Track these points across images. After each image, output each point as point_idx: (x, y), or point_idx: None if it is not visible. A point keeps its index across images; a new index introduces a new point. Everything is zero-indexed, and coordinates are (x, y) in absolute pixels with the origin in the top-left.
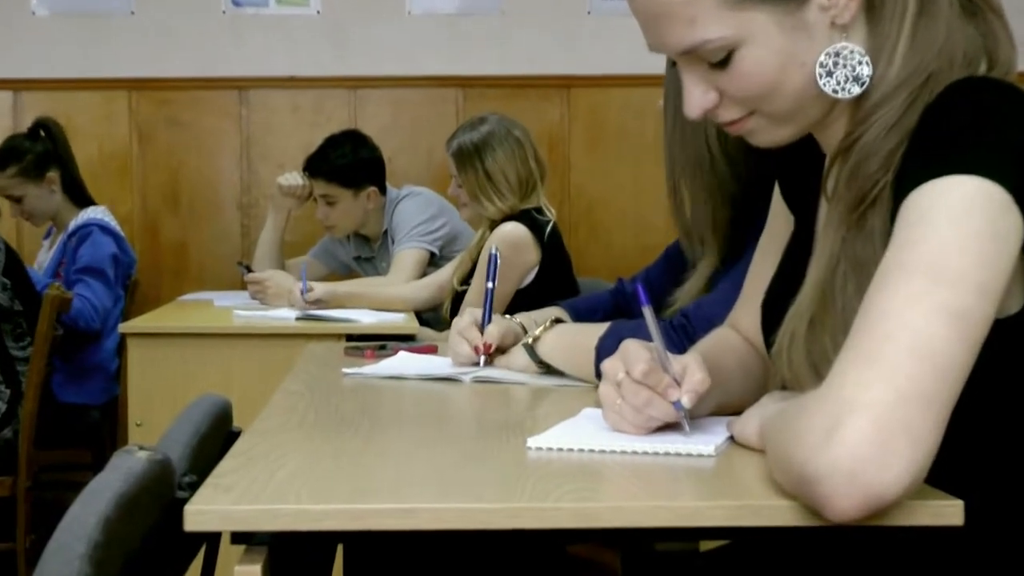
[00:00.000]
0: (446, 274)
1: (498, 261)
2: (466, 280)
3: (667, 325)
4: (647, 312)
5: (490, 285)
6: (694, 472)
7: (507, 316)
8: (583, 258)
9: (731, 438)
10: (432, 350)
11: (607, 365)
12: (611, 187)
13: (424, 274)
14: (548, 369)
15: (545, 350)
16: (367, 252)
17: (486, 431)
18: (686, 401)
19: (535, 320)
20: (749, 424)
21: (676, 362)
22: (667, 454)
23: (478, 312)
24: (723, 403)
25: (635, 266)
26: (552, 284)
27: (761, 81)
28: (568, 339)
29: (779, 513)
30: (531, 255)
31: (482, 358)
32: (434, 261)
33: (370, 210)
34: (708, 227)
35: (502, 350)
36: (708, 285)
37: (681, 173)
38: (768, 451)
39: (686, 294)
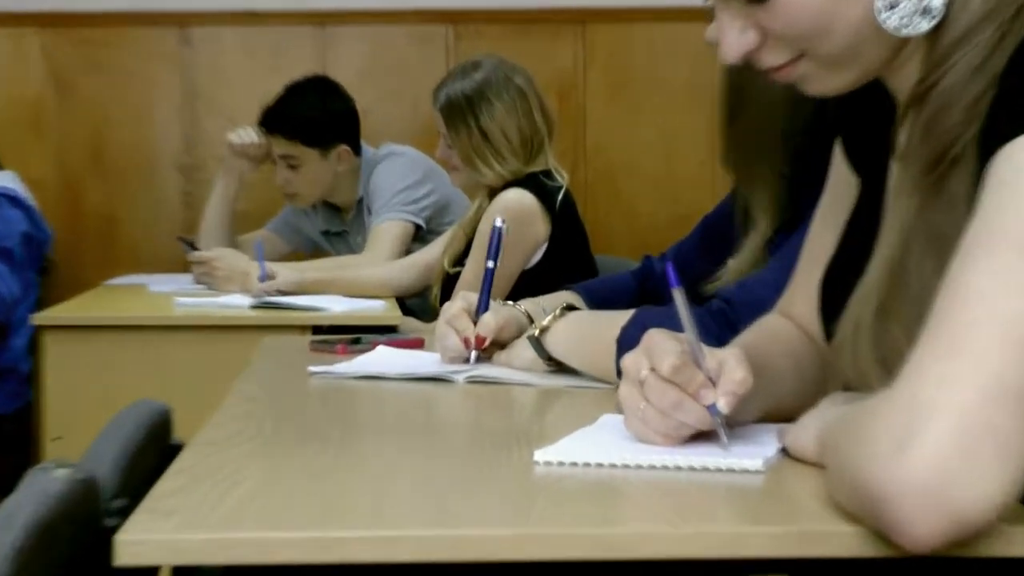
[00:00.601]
0: (435, 252)
1: (502, 235)
2: (459, 260)
3: (703, 311)
4: (678, 295)
5: (491, 264)
6: (737, 492)
7: (508, 303)
8: (602, 232)
9: (783, 450)
10: (418, 344)
11: (628, 361)
12: (636, 145)
13: (408, 252)
14: (559, 367)
15: (555, 343)
16: (337, 225)
17: (484, 443)
18: (723, 405)
19: (543, 307)
20: (805, 432)
21: (712, 357)
22: (704, 469)
23: (472, 296)
24: (772, 407)
25: (666, 241)
26: (564, 264)
27: (808, 16)
28: (583, 330)
29: (842, 541)
30: (538, 228)
31: (473, 353)
32: (420, 236)
33: (341, 174)
34: (761, 186)
35: (502, 344)
36: (758, 260)
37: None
38: (828, 465)
39: (731, 272)
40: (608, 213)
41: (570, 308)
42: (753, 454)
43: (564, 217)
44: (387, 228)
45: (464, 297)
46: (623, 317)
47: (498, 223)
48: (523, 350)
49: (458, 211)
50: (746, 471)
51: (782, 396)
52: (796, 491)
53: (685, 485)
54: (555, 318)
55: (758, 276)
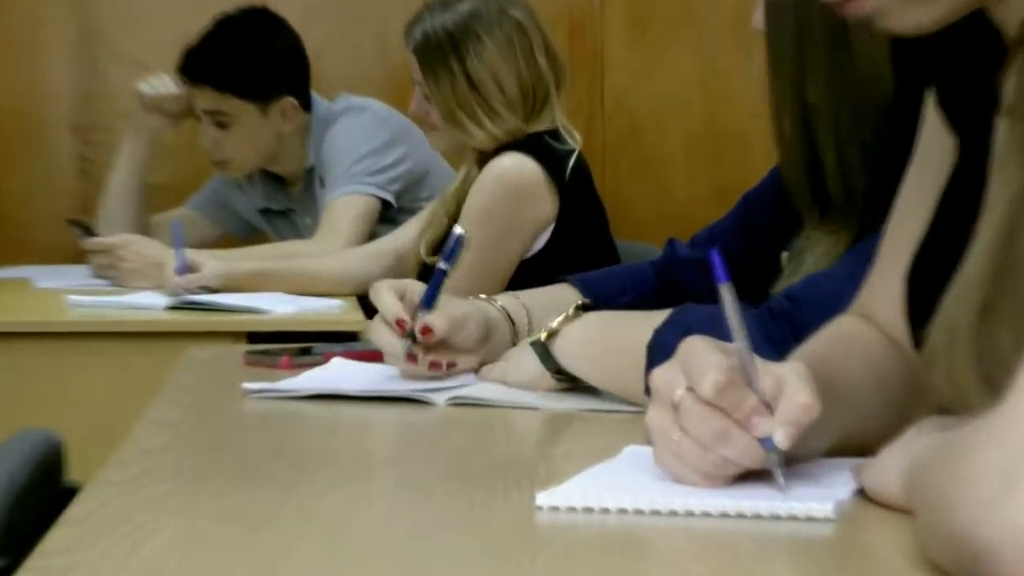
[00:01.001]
0: (408, 237)
1: (462, 244)
2: (441, 246)
3: (761, 314)
4: (725, 292)
5: (443, 266)
6: (801, 546)
7: (481, 297)
8: (625, 209)
9: (860, 492)
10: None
11: (659, 377)
12: (668, 96)
13: (373, 236)
14: (571, 382)
15: (567, 352)
16: (281, 201)
17: (470, 483)
18: (782, 438)
19: (524, 303)
20: (889, 469)
21: (768, 374)
22: (758, 517)
23: (410, 283)
24: (846, 436)
25: (706, 219)
26: (576, 251)
27: None
28: (605, 335)
29: None
30: (543, 205)
31: (405, 345)
32: (389, 216)
33: (285, 135)
34: (844, 172)
35: (460, 348)
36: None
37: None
38: (918, 511)
39: (797, 263)
40: (632, 185)
41: (586, 307)
42: (822, 497)
43: (576, 190)
44: (345, 205)
45: (388, 284)
46: (657, 319)
47: (457, 231)
48: (523, 360)
49: (438, 183)
50: (812, 519)
51: (859, 422)
52: (877, 544)
53: (733, 538)
54: (568, 319)
55: (834, 269)
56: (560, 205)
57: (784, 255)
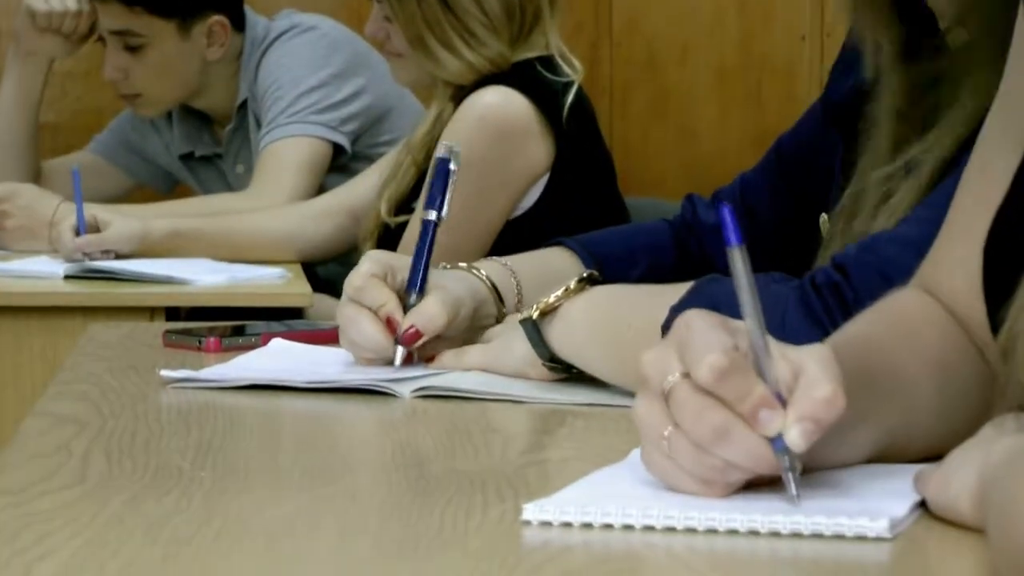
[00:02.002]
0: (364, 190)
1: (452, 172)
2: (407, 204)
3: (803, 285)
4: (735, 257)
5: (431, 215)
6: (847, 573)
7: (462, 265)
8: (638, 158)
9: (921, 505)
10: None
11: (649, 360)
12: (694, 16)
13: (322, 189)
14: (567, 372)
15: (565, 335)
16: (206, 145)
17: (443, 492)
18: (795, 438)
19: (513, 271)
20: (957, 478)
21: (784, 359)
22: (797, 536)
23: (392, 258)
24: (896, 439)
25: (738, 171)
26: (576, 208)
27: None
28: (613, 315)
29: None
30: (535, 151)
31: (400, 352)
32: (342, 164)
33: (211, 62)
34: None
35: (452, 338)
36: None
37: None
38: (992, 531)
39: (848, 219)
40: (648, 129)
41: (592, 280)
42: (874, 512)
43: (576, 133)
44: (287, 150)
45: (375, 259)
46: (676, 293)
47: (442, 151)
48: (511, 343)
49: (403, 124)
50: (863, 538)
51: (915, 421)
52: (942, 571)
53: (765, 562)
54: (568, 293)
55: (895, 231)
56: (556, 151)
57: (823, 218)
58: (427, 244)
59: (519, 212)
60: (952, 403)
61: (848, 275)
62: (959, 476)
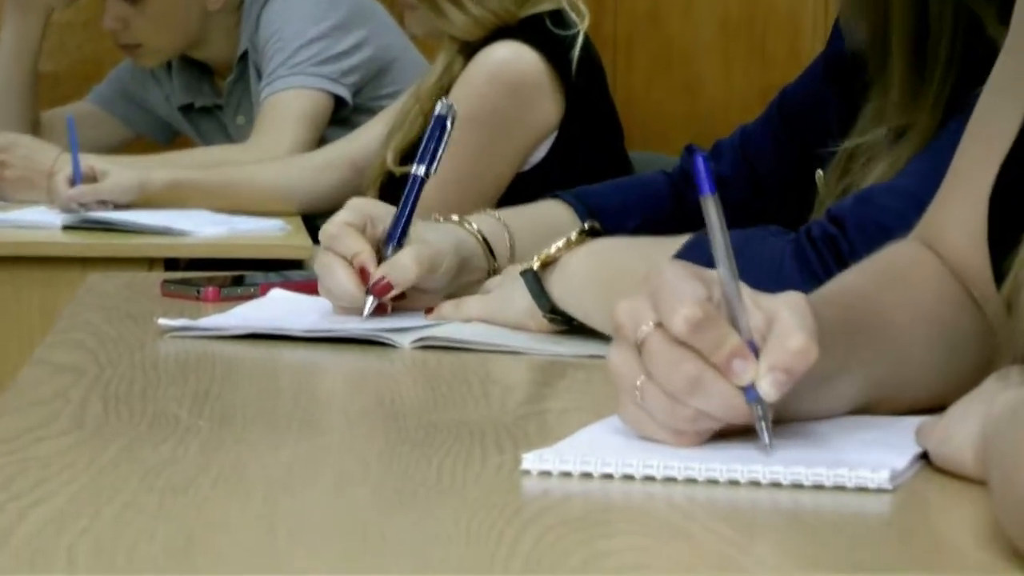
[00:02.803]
0: (367, 141)
1: (447, 129)
2: (413, 153)
3: (798, 239)
4: (709, 206)
5: (420, 171)
6: (849, 524)
7: (453, 218)
8: (642, 113)
9: (923, 457)
10: None
11: (623, 310)
12: None
13: (323, 141)
14: (567, 324)
15: (565, 287)
16: (206, 96)
17: (442, 442)
18: (767, 388)
19: (505, 223)
20: (959, 430)
21: (757, 309)
22: (798, 487)
23: (372, 206)
24: (887, 391)
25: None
26: (583, 163)
27: None
28: (612, 266)
29: None
30: (546, 107)
31: (369, 301)
32: (343, 116)
33: (212, 12)
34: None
35: (429, 290)
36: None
37: None
38: (995, 483)
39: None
40: (652, 83)
41: (592, 233)
42: (875, 464)
43: (585, 86)
44: (288, 102)
45: (353, 207)
46: (676, 245)
47: (440, 108)
48: (511, 294)
49: (405, 76)
50: (864, 490)
51: (905, 372)
52: (942, 522)
53: (765, 513)
54: (569, 245)
55: (892, 183)
56: (565, 106)
57: (819, 174)
58: (412, 198)
59: (528, 166)
60: (946, 356)
61: (844, 227)
62: (961, 428)
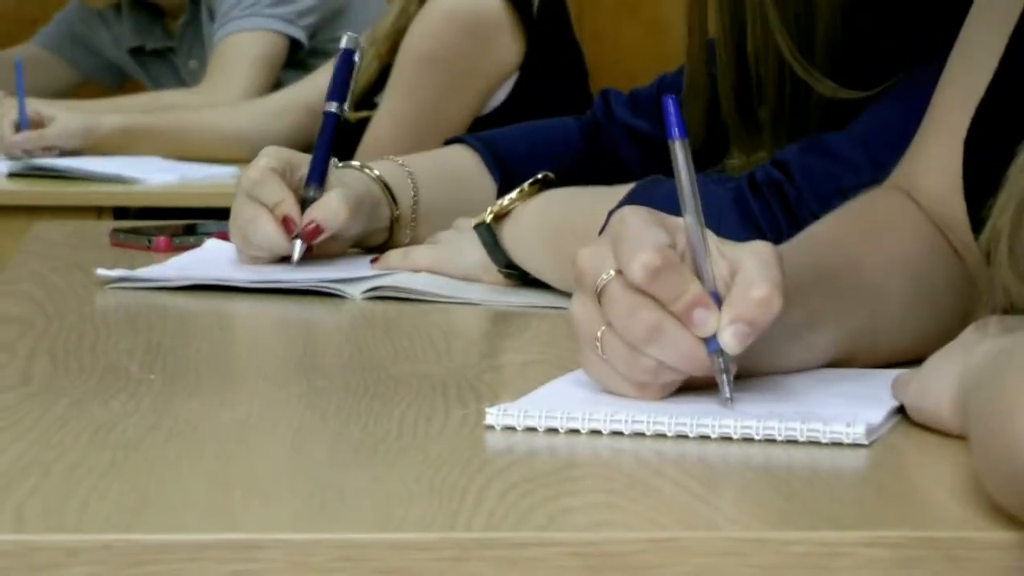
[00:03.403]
0: (323, 86)
1: (355, 64)
2: (367, 98)
3: (739, 185)
4: (677, 150)
5: (333, 108)
6: (825, 480)
7: (355, 164)
8: (610, 56)
9: (900, 410)
10: None
11: (583, 258)
12: None
13: (278, 84)
14: (522, 279)
15: (519, 240)
16: (157, 38)
17: (400, 396)
18: (728, 339)
19: (410, 172)
20: (937, 382)
21: (722, 257)
22: (768, 441)
23: (290, 154)
24: (862, 344)
25: None
26: (546, 107)
27: None
28: (560, 216)
29: (995, 557)
30: (506, 47)
31: (298, 247)
32: (298, 59)
33: None
34: None
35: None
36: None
37: None
38: (974, 437)
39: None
40: (620, 25)
41: (548, 182)
42: (851, 417)
43: (548, 26)
44: (241, 45)
45: (273, 154)
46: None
47: (348, 42)
48: (461, 246)
49: (362, 17)
50: (839, 444)
51: (882, 323)
52: (919, 477)
53: (737, 468)
54: (522, 196)
55: (847, 130)
56: (526, 47)
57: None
58: (328, 137)
59: (488, 110)
60: (924, 306)
61: (790, 173)
62: (939, 380)
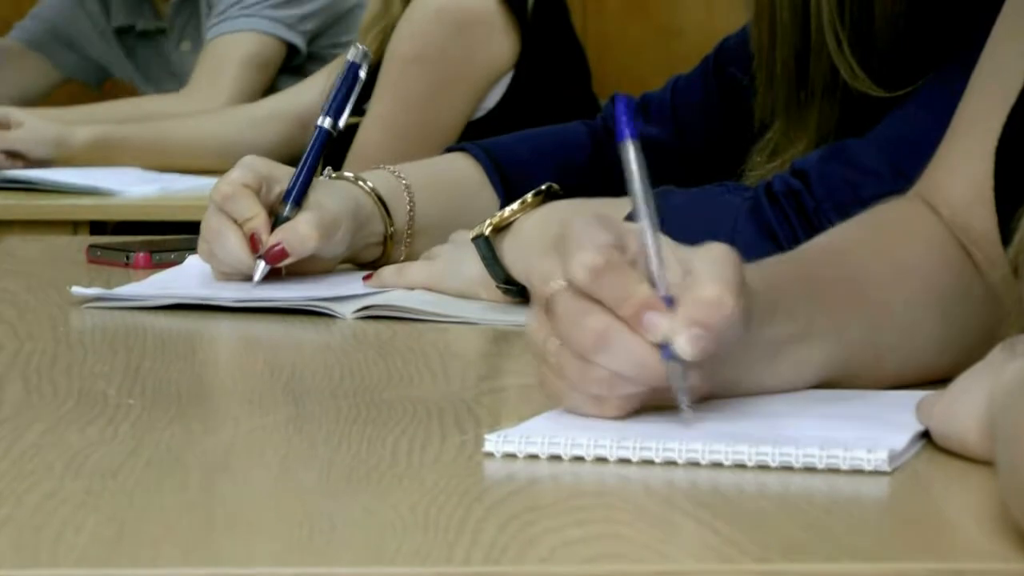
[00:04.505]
0: (315, 95)
1: (360, 79)
2: (356, 103)
3: (756, 194)
4: (628, 151)
5: (326, 124)
6: (843, 509)
7: (347, 175)
8: (615, 57)
9: (924, 435)
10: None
11: (535, 269)
12: None
13: (272, 89)
14: (522, 296)
15: (520, 254)
16: (148, 19)
17: (394, 421)
18: (684, 344)
19: (405, 182)
20: (963, 405)
21: (677, 262)
22: (785, 468)
23: (268, 166)
24: (864, 359)
25: None
26: (544, 109)
27: None
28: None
29: None
30: (499, 45)
31: (260, 267)
32: (295, 65)
33: None
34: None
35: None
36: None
37: None
38: (1002, 464)
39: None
40: (626, 26)
41: (552, 193)
42: (872, 443)
43: (544, 25)
44: (233, 47)
45: (249, 166)
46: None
47: (353, 55)
48: (460, 261)
49: (358, 19)
50: (860, 472)
51: (886, 339)
52: (945, 506)
53: (752, 498)
54: (524, 207)
55: (869, 137)
56: (520, 46)
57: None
58: (315, 153)
59: (480, 113)
60: (936, 321)
61: (809, 181)
62: (965, 403)
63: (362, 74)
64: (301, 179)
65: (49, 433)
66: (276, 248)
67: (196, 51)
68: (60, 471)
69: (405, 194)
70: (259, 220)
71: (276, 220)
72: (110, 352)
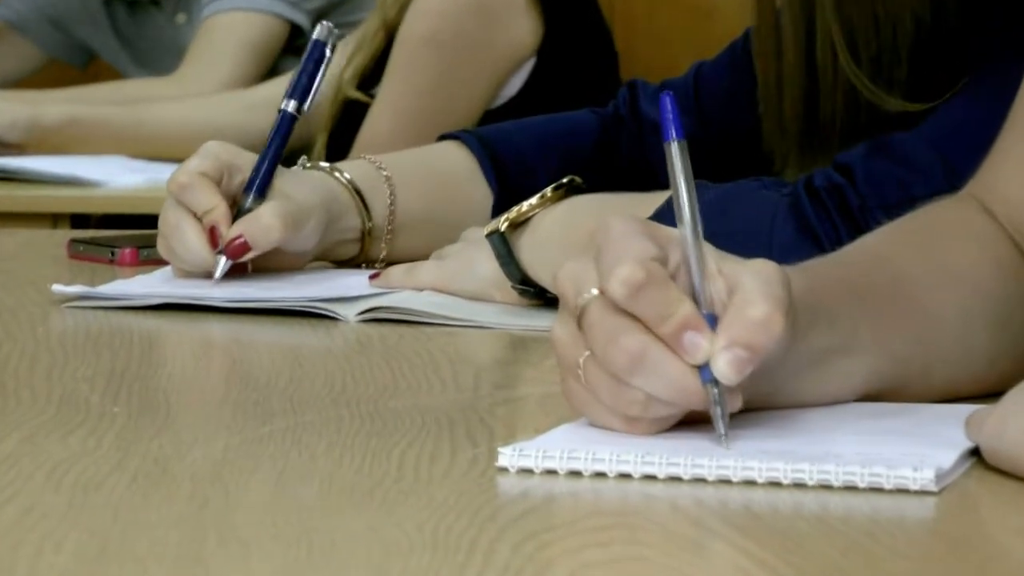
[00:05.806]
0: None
1: (327, 58)
2: (374, 76)
3: (796, 191)
4: (673, 152)
5: (290, 107)
6: (886, 531)
7: (323, 165)
8: (643, 40)
9: (975, 452)
10: None
11: (565, 275)
12: None
13: (274, 72)
14: (540, 297)
15: (538, 253)
16: None
17: (401, 432)
18: (724, 367)
19: (386, 174)
20: (1016, 421)
21: (720, 274)
22: (823, 487)
23: (232, 152)
24: (911, 371)
25: None
26: (569, 96)
27: None
28: (588, 226)
29: None
30: (520, 27)
31: (221, 264)
32: (301, 44)
33: None
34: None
35: (293, 254)
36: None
37: None
38: None
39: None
40: (656, 6)
41: (574, 187)
42: (919, 461)
43: (568, 7)
44: (232, 27)
45: (212, 153)
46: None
47: (319, 32)
48: (472, 260)
49: (372, 3)
50: (905, 491)
51: (937, 351)
52: (997, 531)
53: (786, 517)
54: (543, 202)
55: (918, 131)
56: (544, 30)
57: None
58: (280, 138)
59: (501, 101)
60: (991, 329)
61: (853, 177)
62: (1019, 418)
63: (328, 52)
64: (265, 167)
65: (27, 442)
66: (237, 242)
67: (192, 25)
68: (40, 483)
69: (386, 186)
70: (218, 212)
71: (239, 212)
72: (93, 355)
